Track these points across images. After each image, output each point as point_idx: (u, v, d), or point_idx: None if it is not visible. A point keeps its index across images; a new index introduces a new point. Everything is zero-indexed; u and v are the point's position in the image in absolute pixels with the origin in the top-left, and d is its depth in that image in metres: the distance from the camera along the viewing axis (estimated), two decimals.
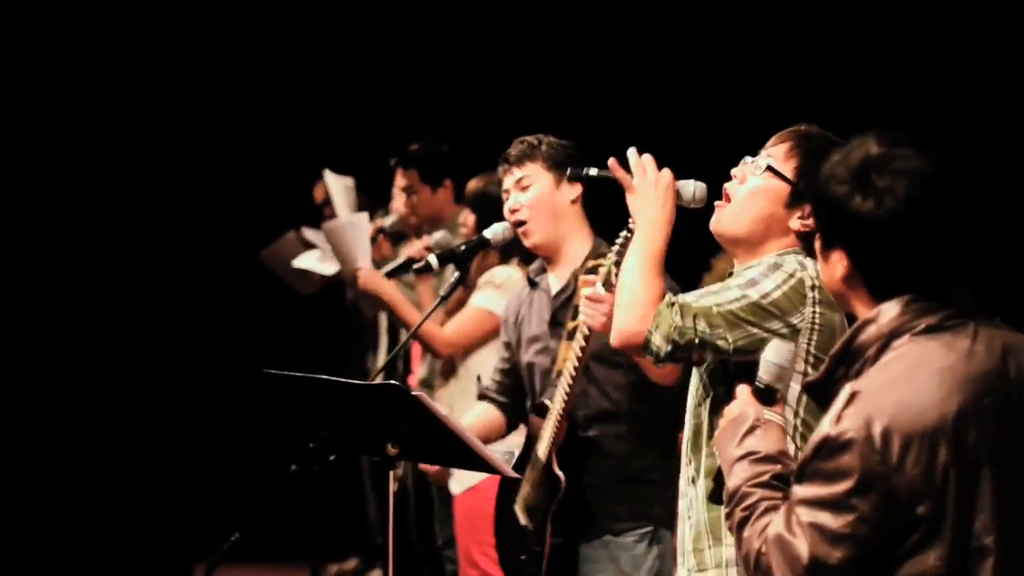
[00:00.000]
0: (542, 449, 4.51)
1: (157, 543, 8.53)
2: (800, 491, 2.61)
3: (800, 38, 7.44)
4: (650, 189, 3.56)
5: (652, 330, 3.37)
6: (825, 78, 7.18)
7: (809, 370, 3.42)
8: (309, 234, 7.02)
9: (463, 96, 8.32)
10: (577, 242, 4.67)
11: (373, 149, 7.66)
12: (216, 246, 8.94)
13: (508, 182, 4.74)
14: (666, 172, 3.60)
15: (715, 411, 3.50)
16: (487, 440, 4.75)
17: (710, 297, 3.40)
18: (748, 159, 3.58)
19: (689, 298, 3.40)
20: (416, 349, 6.56)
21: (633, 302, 3.44)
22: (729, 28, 7.62)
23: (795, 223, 3.51)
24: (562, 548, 4.56)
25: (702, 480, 3.51)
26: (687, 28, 7.75)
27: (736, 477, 2.79)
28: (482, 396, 4.94)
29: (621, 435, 4.52)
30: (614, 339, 3.49)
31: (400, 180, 6.85)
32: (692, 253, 3.98)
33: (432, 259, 4.85)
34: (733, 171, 3.58)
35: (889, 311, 2.64)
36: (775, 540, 2.62)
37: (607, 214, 4.13)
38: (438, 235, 6.11)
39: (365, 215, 6.29)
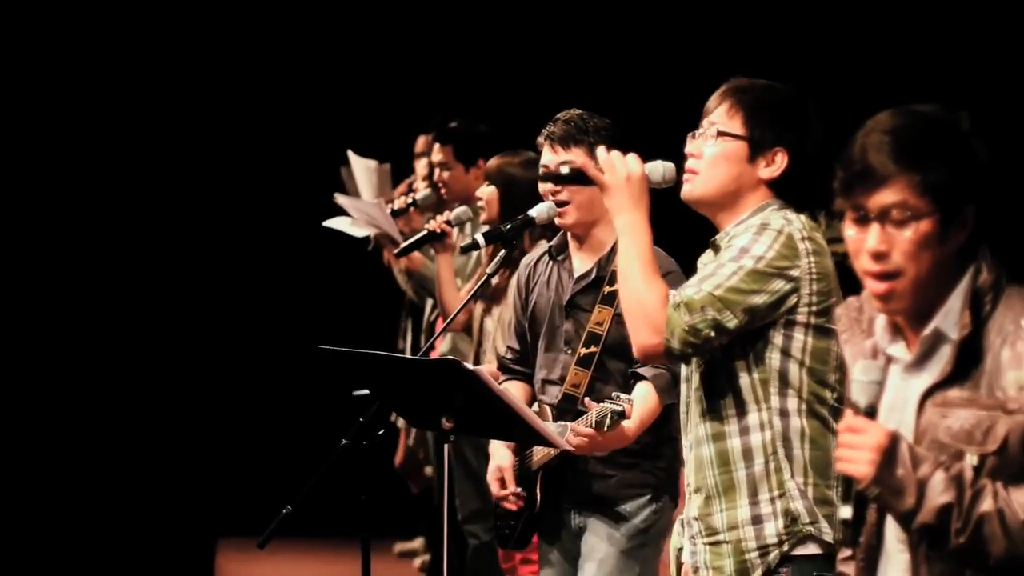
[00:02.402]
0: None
1: (186, 518, 8.61)
2: None
3: (790, 26, 7.51)
4: (623, 186, 3.60)
5: (668, 338, 3.45)
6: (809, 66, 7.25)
7: (812, 319, 3.52)
8: (341, 200, 7.06)
9: (500, 79, 8.36)
10: (607, 227, 4.73)
11: (410, 131, 7.73)
12: (267, 224, 8.98)
13: (550, 160, 4.78)
14: (636, 165, 3.63)
15: (712, 377, 3.58)
16: None
17: (709, 282, 3.48)
18: (693, 134, 3.65)
19: (690, 291, 3.48)
20: (439, 324, 6.59)
21: (643, 315, 3.49)
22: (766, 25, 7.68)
23: (764, 172, 3.60)
24: (554, 513, 4.65)
25: (709, 445, 3.57)
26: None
27: (944, 492, 2.68)
28: (503, 369, 5.00)
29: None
30: (637, 355, 3.58)
31: (435, 155, 6.91)
32: (677, 229, 4.04)
33: (480, 238, 4.90)
34: (687, 149, 3.65)
35: (983, 260, 2.77)
36: None
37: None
38: (459, 210, 6.15)
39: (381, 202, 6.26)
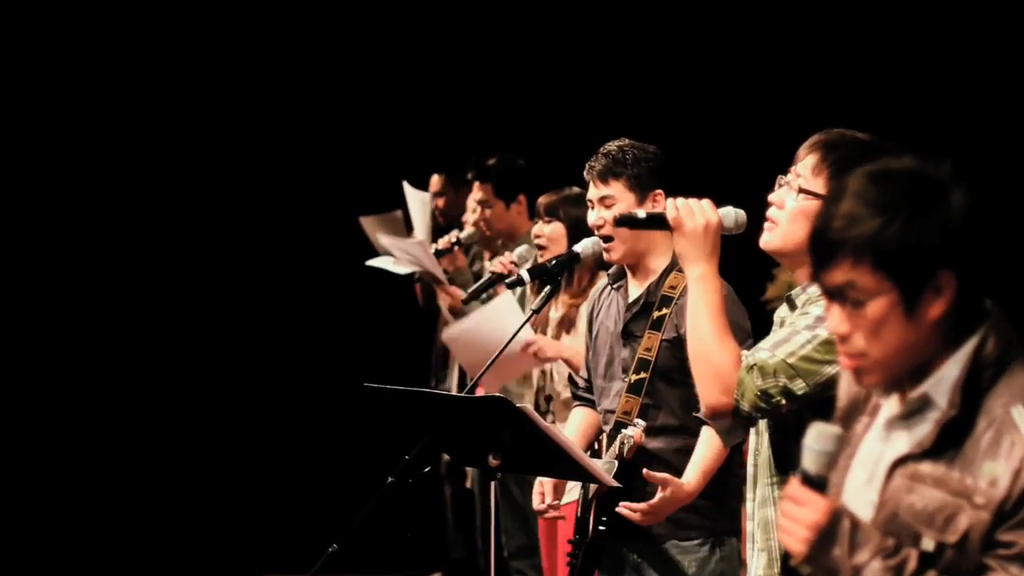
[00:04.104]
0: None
1: (231, 554, 8.62)
2: None
3: (811, 46, 7.49)
4: (700, 235, 3.56)
5: (738, 399, 3.43)
6: (831, 85, 7.23)
7: None
8: (385, 241, 7.08)
9: (538, 111, 8.38)
10: (657, 255, 4.74)
11: (451, 162, 7.74)
12: (315, 261, 9.02)
13: (593, 194, 4.80)
14: (713, 213, 3.58)
15: (782, 439, 3.54)
16: (592, 441, 4.83)
17: (783, 348, 3.45)
18: (781, 179, 3.60)
19: (763, 355, 3.44)
20: None
21: (714, 375, 3.46)
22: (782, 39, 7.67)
23: None
24: (608, 543, 4.60)
25: (775, 508, 3.55)
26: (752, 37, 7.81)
27: None
28: (575, 397, 5.02)
29: (684, 448, 4.58)
30: (704, 413, 3.54)
31: (476, 193, 6.93)
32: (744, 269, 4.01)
33: (524, 273, 4.91)
34: (770, 197, 3.60)
35: (993, 329, 2.58)
36: None
37: None
38: (521, 249, 6.16)
39: (509, 296, 6.06)
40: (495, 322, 5.74)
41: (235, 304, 9.03)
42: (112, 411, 8.85)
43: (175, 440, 8.85)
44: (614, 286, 4.85)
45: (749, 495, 3.71)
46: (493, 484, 4.30)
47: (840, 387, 2.85)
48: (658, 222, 3.68)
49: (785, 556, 2.68)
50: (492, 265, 6.28)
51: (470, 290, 6.19)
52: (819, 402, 3.44)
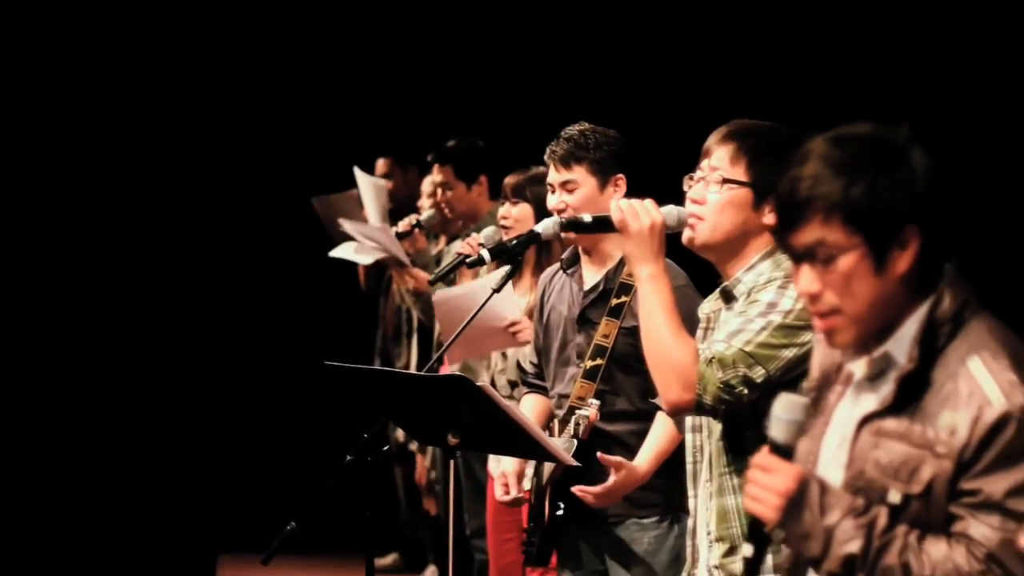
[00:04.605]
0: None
1: (187, 534, 8.59)
2: (994, 484, 2.54)
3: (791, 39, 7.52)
4: (646, 235, 3.58)
5: (701, 394, 3.46)
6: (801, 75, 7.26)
7: None
8: (347, 226, 7.07)
9: (498, 92, 8.37)
10: (615, 242, 4.75)
11: (397, 145, 7.74)
12: (272, 241, 9.00)
13: (554, 178, 4.80)
14: (657, 213, 3.61)
15: (738, 428, 3.55)
16: (544, 427, 4.82)
17: (739, 337, 3.47)
18: (693, 175, 3.63)
19: (720, 347, 3.47)
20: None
21: (674, 371, 3.49)
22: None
23: (769, 217, 3.55)
24: (565, 528, 4.63)
25: (735, 496, 3.55)
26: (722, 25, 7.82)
27: (850, 541, 2.60)
28: (524, 383, 5.00)
29: (641, 431, 4.59)
30: (666, 409, 3.57)
31: (436, 175, 6.93)
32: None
33: (484, 253, 4.90)
34: (689, 194, 3.63)
35: (948, 287, 2.66)
36: (997, 550, 2.53)
37: None
38: (488, 231, 6.15)
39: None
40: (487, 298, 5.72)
41: (188, 286, 8.99)
42: (68, 392, 8.80)
43: (131, 421, 8.80)
44: (567, 271, 4.84)
45: (691, 491, 3.72)
46: (453, 463, 4.29)
47: (813, 359, 2.89)
48: (604, 225, 3.71)
49: (754, 525, 2.67)
50: (455, 247, 6.28)
51: (435, 272, 6.18)
52: (779, 386, 3.45)
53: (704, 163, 3.63)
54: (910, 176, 2.63)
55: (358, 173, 7.57)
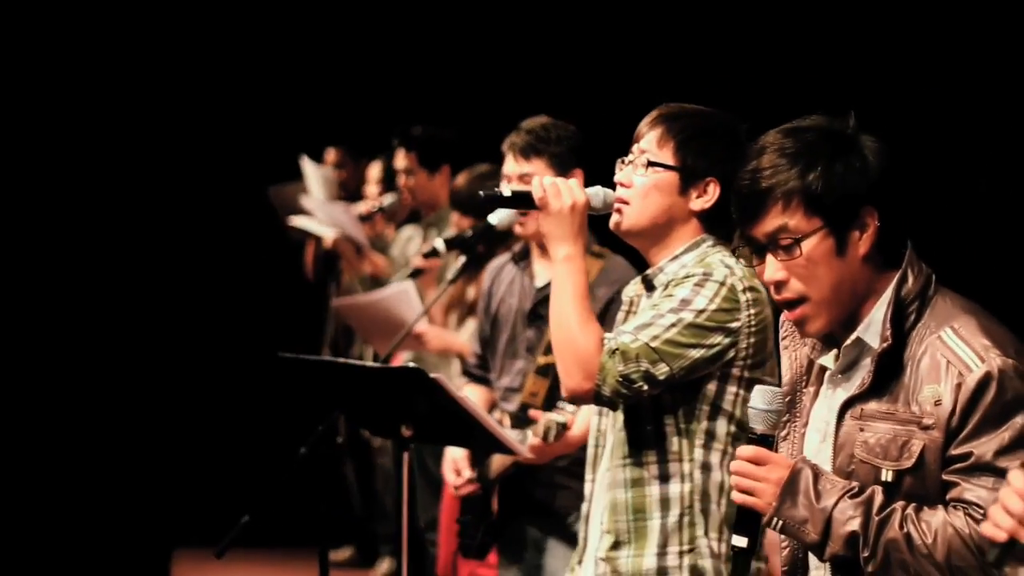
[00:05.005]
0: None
1: (142, 528, 8.54)
2: (984, 446, 2.60)
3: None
4: (566, 214, 3.49)
5: (600, 384, 3.40)
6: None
7: (746, 372, 3.47)
8: (309, 203, 7.05)
9: (469, 83, 8.34)
10: None
11: (381, 133, 7.70)
12: (223, 234, 8.95)
13: (512, 169, 4.76)
14: (580, 192, 3.53)
15: (637, 422, 3.53)
16: None
17: (646, 331, 3.41)
18: (624, 160, 3.59)
19: (626, 339, 3.41)
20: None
21: (576, 358, 3.43)
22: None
23: (696, 203, 3.54)
24: (513, 524, 4.62)
25: (627, 491, 3.52)
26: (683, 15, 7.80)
27: (850, 520, 2.64)
28: (466, 374, 4.97)
29: None
30: (564, 394, 3.51)
31: (400, 161, 6.92)
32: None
33: (439, 244, 4.89)
34: (616, 178, 3.58)
35: (910, 267, 2.73)
36: None
37: None
38: (388, 199, 6.14)
39: (411, 282, 6.08)
40: (390, 305, 5.75)
41: (139, 280, 8.94)
42: (23, 388, 8.74)
43: (83, 415, 8.75)
44: (518, 263, 4.81)
45: (589, 476, 3.68)
46: (406, 456, 4.26)
47: (782, 367, 2.92)
48: (523, 200, 3.59)
49: (746, 516, 2.71)
50: (404, 234, 6.26)
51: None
52: (683, 386, 3.45)
53: (635, 147, 3.59)
54: (863, 161, 2.72)
55: (305, 162, 7.55)
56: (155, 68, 8.84)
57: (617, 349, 3.39)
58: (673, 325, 3.41)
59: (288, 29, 8.99)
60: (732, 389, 3.49)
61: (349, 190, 7.75)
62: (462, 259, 4.90)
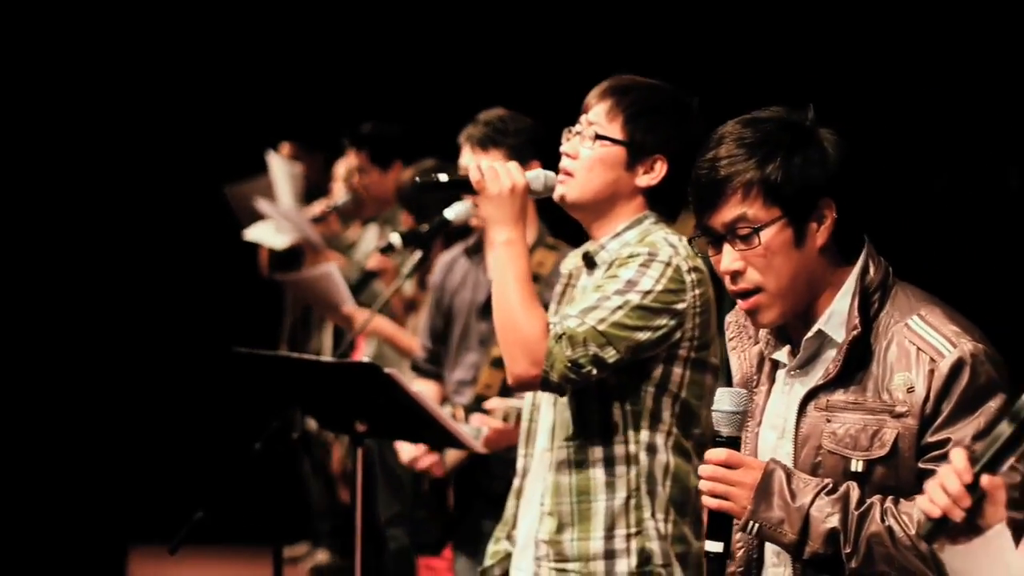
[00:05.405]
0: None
1: (98, 525, 8.50)
2: (960, 431, 2.59)
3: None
4: (506, 198, 3.44)
5: (548, 370, 3.35)
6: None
7: (692, 353, 3.45)
8: (264, 207, 7.02)
9: (420, 78, 8.33)
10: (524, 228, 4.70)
11: (332, 129, 7.69)
12: (174, 228, 8.91)
13: (468, 160, 4.73)
14: (519, 176, 3.47)
15: (582, 404, 3.49)
16: None
17: (593, 314, 3.37)
18: (571, 130, 3.54)
19: (572, 323, 3.37)
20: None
21: (522, 345, 3.36)
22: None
23: (642, 180, 3.50)
24: (468, 519, 4.61)
25: (571, 473, 3.48)
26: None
27: (829, 517, 2.62)
28: (415, 368, 4.95)
29: None
30: (511, 382, 3.44)
31: (351, 159, 6.91)
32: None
33: (395, 238, 4.87)
34: (563, 148, 3.53)
35: (869, 258, 2.74)
36: None
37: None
38: (340, 199, 6.14)
39: (334, 265, 6.12)
40: (319, 285, 5.78)
41: (92, 276, 8.89)
42: None
43: (39, 412, 8.68)
44: (472, 258, 4.79)
45: (522, 450, 3.65)
46: (360, 451, 4.24)
47: (732, 365, 2.90)
48: (460, 185, 3.53)
49: (718, 520, 2.67)
50: (370, 233, 6.26)
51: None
52: (628, 368, 3.41)
53: (583, 117, 3.54)
54: (822, 153, 2.71)
55: (272, 157, 7.52)
56: (106, 62, 8.79)
57: (564, 334, 3.34)
58: (620, 308, 3.37)
59: (240, 25, 8.95)
60: (678, 371, 3.45)
61: (308, 185, 7.73)
62: (418, 254, 4.88)
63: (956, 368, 2.61)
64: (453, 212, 4.77)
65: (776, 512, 2.63)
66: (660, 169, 3.49)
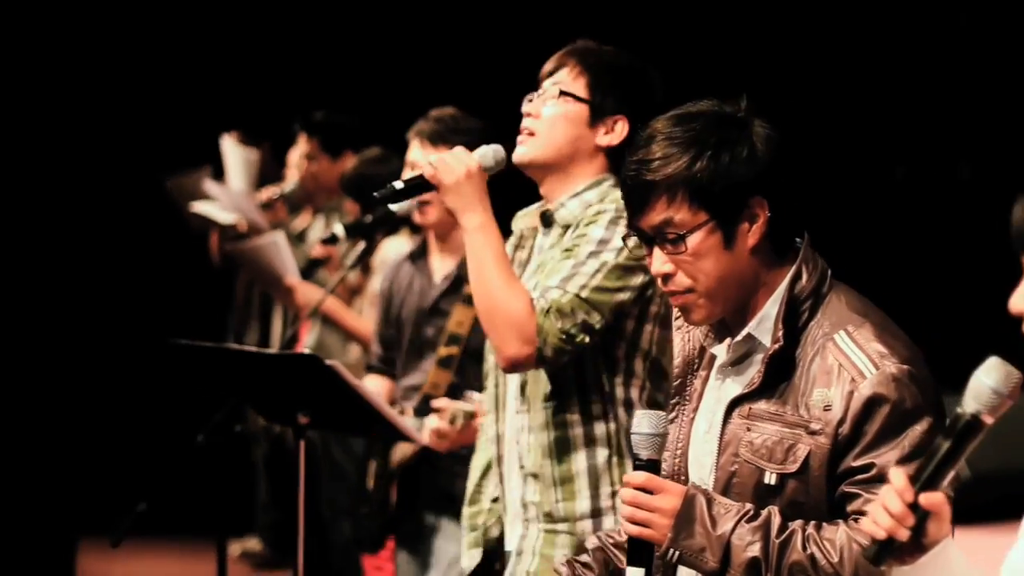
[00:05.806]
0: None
1: (45, 518, 8.43)
2: (885, 456, 2.53)
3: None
4: (464, 184, 3.40)
5: (541, 346, 3.33)
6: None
7: (662, 308, 3.44)
8: (211, 187, 6.98)
9: (376, 68, 8.30)
10: None
11: (286, 116, 7.66)
12: (113, 219, 8.85)
13: (418, 156, 4.68)
14: (470, 159, 3.43)
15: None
16: None
17: (573, 281, 3.36)
18: (533, 95, 3.54)
19: (555, 294, 3.35)
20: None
21: (511, 325, 3.33)
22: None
23: (603, 139, 3.51)
24: (410, 516, 4.59)
25: (551, 432, 3.46)
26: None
27: (749, 545, 2.57)
28: (370, 368, 4.94)
29: None
30: (502, 365, 3.41)
31: (302, 146, 6.88)
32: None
33: (339, 229, 4.85)
34: (524, 108, 3.53)
35: (804, 263, 2.68)
36: None
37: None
38: (289, 186, 6.11)
39: (282, 234, 6.10)
40: (266, 254, 5.78)
41: (32, 267, 8.82)
42: None
43: None
44: (416, 263, 4.77)
45: (493, 415, 3.61)
46: (302, 443, 4.21)
47: (674, 348, 2.87)
48: (418, 187, 3.48)
49: (639, 547, 2.63)
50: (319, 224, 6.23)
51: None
52: (610, 328, 3.39)
53: (545, 81, 3.54)
54: (751, 149, 2.65)
55: (227, 143, 7.48)
56: (47, 52, 8.72)
57: (550, 307, 3.33)
58: (598, 271, 3.37)
59: (185, 13, 8.90)
60: (648, 327, 3.46)
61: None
62: (361, 244, 4.86)
63: (879, 393, 2.56)
64: (397, 205, 4.75)
65: (697, 540, 2.59)
66: (621, 130, 3.50)
